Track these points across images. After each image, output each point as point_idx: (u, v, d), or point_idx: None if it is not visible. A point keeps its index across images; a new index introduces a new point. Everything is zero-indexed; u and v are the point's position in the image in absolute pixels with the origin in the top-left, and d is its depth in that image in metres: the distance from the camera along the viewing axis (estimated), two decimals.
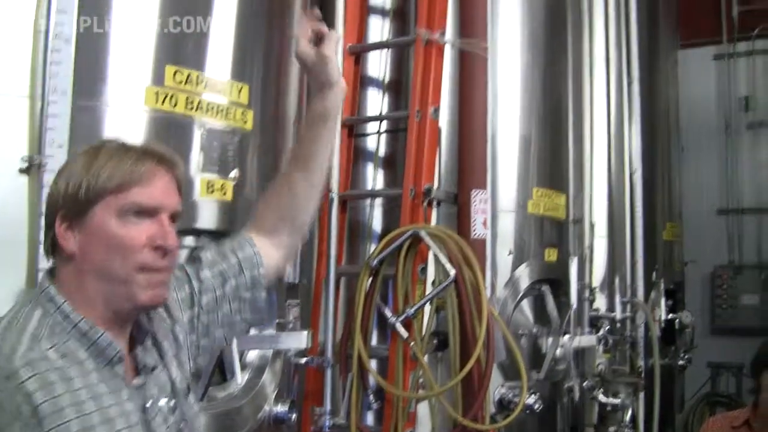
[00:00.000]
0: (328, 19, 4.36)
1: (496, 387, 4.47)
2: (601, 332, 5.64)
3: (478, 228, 4.35)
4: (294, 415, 3.68)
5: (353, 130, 4.54)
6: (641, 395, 5.84)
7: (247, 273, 2.39)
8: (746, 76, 9.18)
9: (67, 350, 1.89)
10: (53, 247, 2.00)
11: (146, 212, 1.97)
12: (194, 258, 2.42)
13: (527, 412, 4.42)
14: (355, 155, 4.59)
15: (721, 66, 9.26)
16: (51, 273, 2.03)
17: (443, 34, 4.33)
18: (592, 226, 5.81)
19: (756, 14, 9.09)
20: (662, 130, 7.49)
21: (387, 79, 4.69)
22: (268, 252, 2.44)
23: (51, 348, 1.87)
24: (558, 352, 5.00)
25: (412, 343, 4.02)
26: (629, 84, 6.53)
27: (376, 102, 4.69)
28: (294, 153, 2.62)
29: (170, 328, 2.22)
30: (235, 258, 2.39)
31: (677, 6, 8.24)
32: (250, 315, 2.44)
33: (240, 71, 3.64)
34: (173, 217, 2.04)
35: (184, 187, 2.13)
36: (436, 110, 4.27)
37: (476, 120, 4.42)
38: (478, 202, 4.34)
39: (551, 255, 5.04)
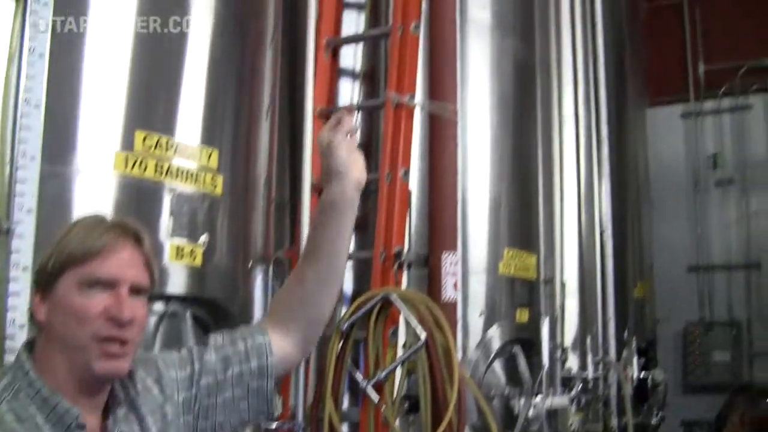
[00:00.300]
0: (300, 83, 4.41)
1: None
2: (574, 392, 5.62)
3: (449, 290, 4.35)
4: None
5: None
6: None
7: (254, 361, 2.37)
8: (714, 134, 9.31)
9: (26, 415, 1.93)
10: (32, 318, 2.11)
11: (105, 284, 2.01)
12: (204, 341, 2.42)
13: None
14: None
15: (689, 124, 9.39)
16: (30, 342, 2.08)
17: (413, 96, 4.35)
18: (563, 285, 5.82)
19: (721, 73, 9.23)
20: (632, 188, 7.55)
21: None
22: (280, 343, 2.42)
23: (9, 411, 1.92)
24: (531, 413, 4.97)
25: (383, 407, 3.98)
26: (598, 143, 6.58)
27: None
28: (305, 245, 2.55)
29: (160, 404, 2.22)
30: (243, 345, 2.37)
31: (644, 65, 8.35)
32: (257, 404, 2.41)
33: (210, 136, 3.65)
34: (137, 290, 2.05)
35: (154, 259, 2.14)
36: (407, 172, 4.28)
37: (446, 182, 4.43)
38: (449, 264, 4.34)
39: (523, 315, 5.03)
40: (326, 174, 2.38)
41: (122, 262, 2.04)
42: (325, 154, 2.38)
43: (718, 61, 9.29)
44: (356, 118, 2.33)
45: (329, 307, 2.49)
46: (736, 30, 9.22)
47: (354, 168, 2.36)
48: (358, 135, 2.39)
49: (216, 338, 2.40)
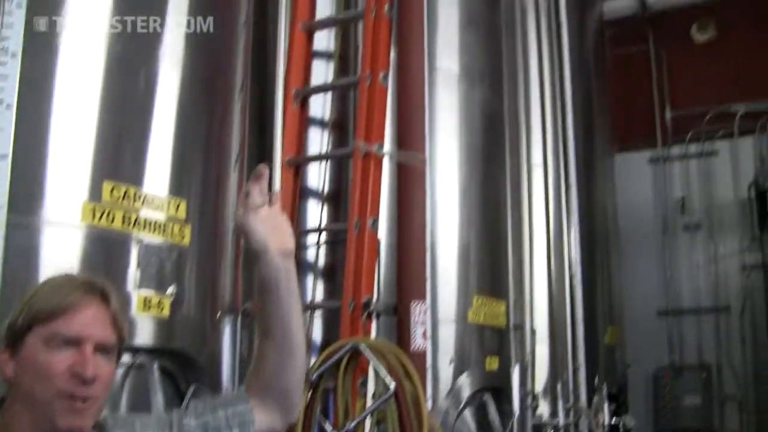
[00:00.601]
0: (269, 132, 4.42)
1: None
2: None
3: (418, 340, 4.35)
4: None
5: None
6: None
7: (235, 429, 2.35)
8: (681, 179, 9.39)
9: None
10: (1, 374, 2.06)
11: (70, 342, 2.01)
12: (186, 405, 2.39)
13: None
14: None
15: (657, 169, 9.47)
16: (1, 400, 2.07)
17: (382, 146, 4.38)
18: (533, 332, 5.82)
19: (688, 119, 9.34)
20: (601, 234, 7.59)
21: (326, 191, 4.72)
22: (259, 414, 2.40)
23: None
24: None
25: None
26: (567, 189, 6.61)
27: (315, 213, 4.70)
28: (258, 322, 2.48)
29: None
30: (223, 412, 2.35)
31: (612, 111, 8.44)
32: None
33: (178, 186, 3.65)
34: (103, 348, 2.05)
35: (122, 316, 2.13)
36: (375, 222, 4.29)
37: (415, 231, 4.44)
38: (418, 313, 4.34)
39: (492, 363, 5.03)
40: (249, 253, 2.31)
41: (87, 320, 2.03)
42: (242, 235, 2.30)
43: (684, 107, 9.40)
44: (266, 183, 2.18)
45: (299, 374, 2.45)
46: (702, 76, 9.36)
47: (274, 240, 2.25)
48: (277, 195, 2.31)
49: (196, 404, 2.38)
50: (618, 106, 8.74)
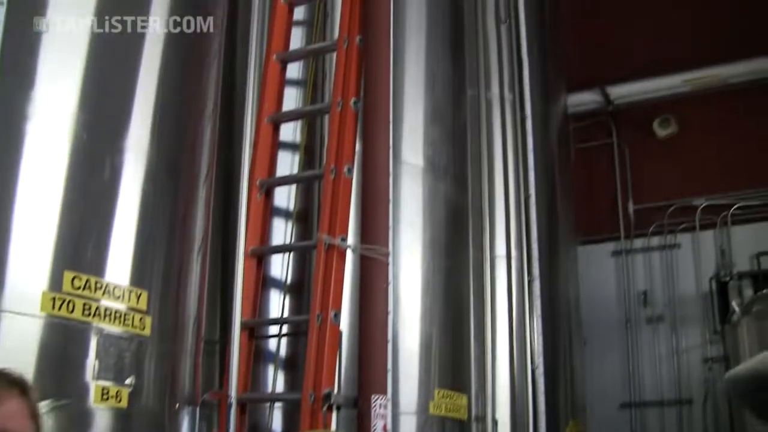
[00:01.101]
0: (233, 222, 4.44)
1: None
2: None
3: None
4: None
5: (254, 332, 4.53)
6: None
7: None
8: (644, 272, 9.47)
9: None
10: None
11: None
12: None
13: None
14: (256, 357, 4.55)
15: (620, 262, 9.55)
16: None
17: (345, 239, 4.40)
18: (495, 423, 5.80)
19: (651, 212, 9.47)
20: (564, 326, 7.60)
21: (289, 281, 4.72)
22: None
23: None
24: None
25: None
26: (530, 281, 6.64)
27: (278, 304, 4.70)
28: None
29: None
30: None
31: (576, 204, 8.53)
32: None
33: (140, 277, 3.64)
34: None
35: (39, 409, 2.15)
36: (337, 315, 4.29)
37: (377, 324, 4.43)
38: (378, 407, 4.31)
39: None
40: None
41: (8, 413, 2.04)
42: None
43: (647, 200, 9.53)
44: None
45: None
46: (664, 170, 9.51)
47: None
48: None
49: None
50: (581, 199, 8.84)
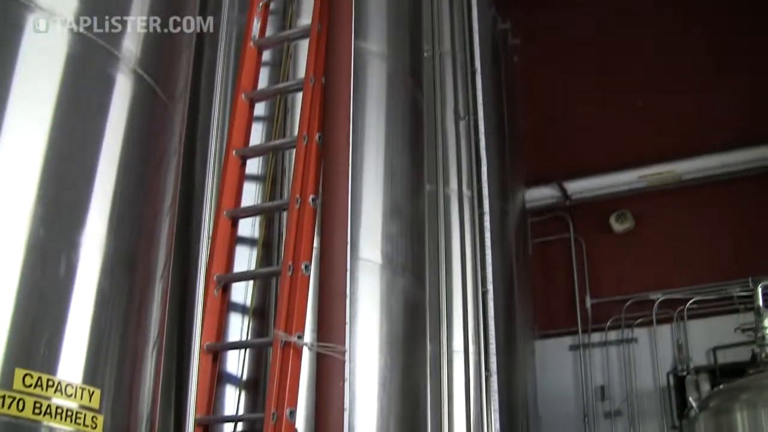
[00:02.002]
0: (189, 317, 4.41)
1: None
2: None
3: None
4: None
5: (208, 429, 4.47)
6: None
7: None
8: (601, 366, 9.50)
9: None
10: None
11: None
12: None
13: None
14: None
15: (577, 356, 9.59)
16: None
17: (302, 336, 4.38)
18: None
19: (608, 306, 9.54)
20: (521, 420, 7.58)
21: (245, 378, 4.68)
22: None
23: None
24: None
25: None
26: (488, 376, 6.63)
27: (233, 401, 4.65)
28: None
29: None
30: None
31: (533, 298, 8.58)
32: None
33: (92, 374, 3.58)
34: None
35: None
36: (293, 412, 4.25)
37: (333, 423, 4.39)
38: None
39: None
40: None
41: None
42: None
43: (604, 295, 9.61)
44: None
45: None
46: (621, 264, 9.62)
47: None
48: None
49: None
50: (539, 293, 8.91)
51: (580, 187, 9.85)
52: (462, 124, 7.27)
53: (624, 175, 9.70)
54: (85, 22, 3.64)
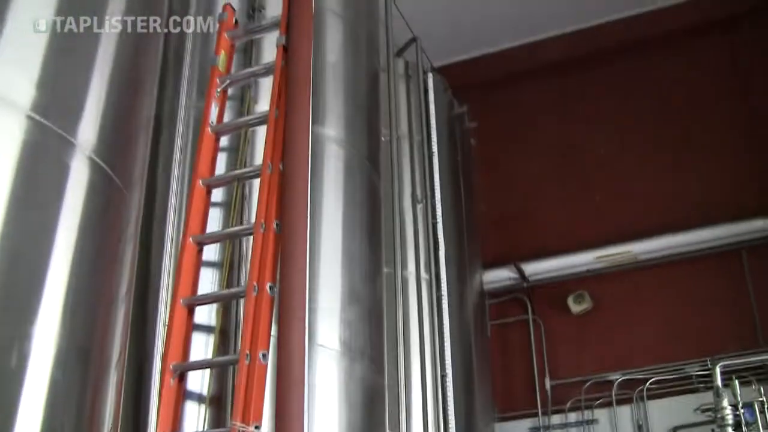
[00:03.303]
0: (144, 407, 4.33)
1: None
2: None
3: None
4: None
5: None
6: None
7: None
8: None
9: None
10: None
11: None
12: None
13: None
14: None
15: None
16: None
17: (259, 426, 4.31)
18: None
19: (568, 387, 9.52)
20: None
21: None
22: None
23: None
24: None
25: None
26: None
27: None
28: None
29: None
30: None
31: (493, 380, 8.55)
32: None
33: None
34: None
35: None
36: None
37: None
38: None
39: None
40: None
41: None
42: None
43: (563, 376, 9.60)
44: None
45: None
46: (579, 345, 9.63)
47: None
48: None
49: None
50: (498, 375, 8.88)
51: (537, 268, 9.89)
52: (419, 207, 7.31)
53: (581, 256, 9.76)
54: (41, 108, 3.62)
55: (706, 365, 8.70)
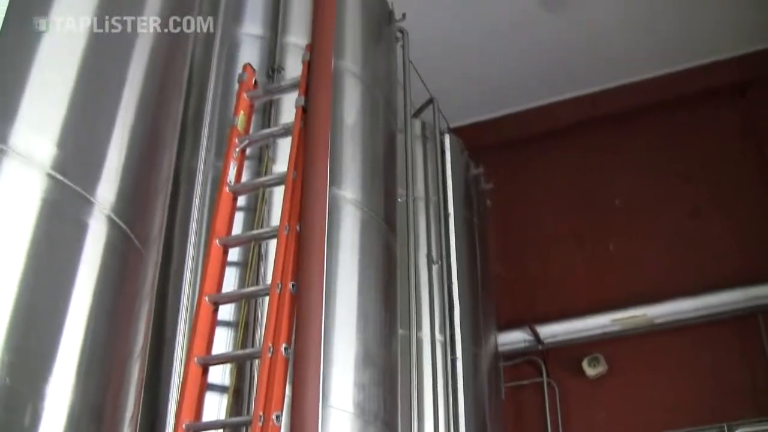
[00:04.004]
0: None
1: None
2: None
3: None
4: None
5: None
6: None
7: None
8: None
9: None
10: None
11: None
12: None
13: None
14: None
15: None
16: None
17: None
18: None
19: None
20: None
21: None
22: None
23: None
24: None
25: None
26: None
27: None
28: None
29: None
30: None
31: None
32: None
33: None
34: None
35: None
36: None
37: None
38: None
39: None
40: None
41: None
42: None
43: None
44: None
45: None
46: (593, 409, 9.56)
47: None
48: None
49: None
50: None
51: (552, 331, 9.83)
52: (435, 268, 7.31)
53: (596, 318, 9.70)
54: (61, 166, 3.63)
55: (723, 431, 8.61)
